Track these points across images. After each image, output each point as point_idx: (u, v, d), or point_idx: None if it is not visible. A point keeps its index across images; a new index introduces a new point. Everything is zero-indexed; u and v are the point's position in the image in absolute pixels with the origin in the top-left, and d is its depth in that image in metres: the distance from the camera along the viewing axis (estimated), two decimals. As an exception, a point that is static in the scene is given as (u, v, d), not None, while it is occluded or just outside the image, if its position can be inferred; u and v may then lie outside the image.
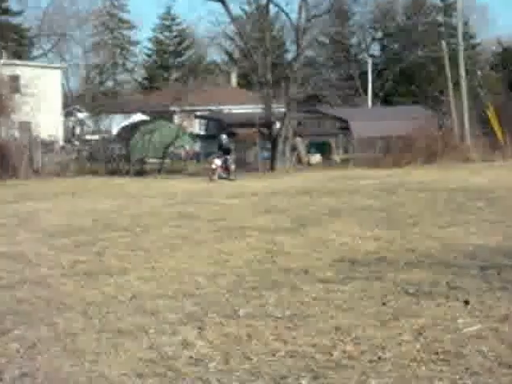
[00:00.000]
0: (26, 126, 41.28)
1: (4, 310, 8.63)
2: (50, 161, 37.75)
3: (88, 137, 48.96)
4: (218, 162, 30.43)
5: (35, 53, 65.18)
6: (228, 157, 30.86)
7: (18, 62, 49.27)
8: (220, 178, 30.05)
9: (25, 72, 44.72)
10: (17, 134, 40.18)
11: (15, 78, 43.06)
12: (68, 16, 62.85)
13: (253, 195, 21.90)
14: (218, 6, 37.03)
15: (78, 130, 55.27)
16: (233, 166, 30.70)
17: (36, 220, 17.12)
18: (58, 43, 64.46)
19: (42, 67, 50.92)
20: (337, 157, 40.01)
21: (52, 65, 54.86)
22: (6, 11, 60.06)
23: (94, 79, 71.92)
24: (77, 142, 47.14)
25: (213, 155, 31.88)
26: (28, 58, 58.31)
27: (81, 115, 57.00)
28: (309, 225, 14.85)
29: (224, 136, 32.46)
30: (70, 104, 57.40)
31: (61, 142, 45.37)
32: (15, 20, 61.57)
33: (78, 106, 59.28)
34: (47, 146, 40.22)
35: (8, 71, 42.07)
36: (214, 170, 30.13)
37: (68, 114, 55.27)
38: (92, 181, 31.06)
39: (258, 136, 37.75)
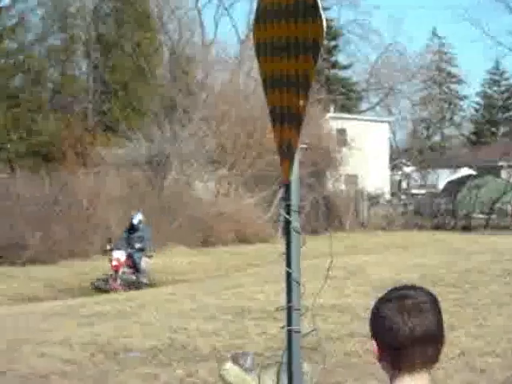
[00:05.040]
0: (352, 179, 42.14)
1: (335, 363, 8.65)
2: (376, 214, 38.15)
3: (414, 191, 49.01)
4: None
5: (363, 106, 66.62)
6: None
7: (345, 115, 50.56)
8: None
9: (352, 125, 45.67)
10: (343, 186, 41.13)
11: (343, 132, 44.13)
12: (396, 70, 63.60)
13: None
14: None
15: (404, 184, 55.50)
16: None
17: (363, 273, 17.20)
18: (386, 97, 65.41)
19: (370, 121, 51.79)
20: None
21: (379, 118, 55.68)
22: (335, 65, 62.09)
23: (421, 133, 72.02)
24: (403, 196, 47.31)
25: None
26: (356, 112, 59.68)
27: (407, 169, 57.23)
28: None
29: None
30: (396, 157, 57.85)
31: (387, 196, 45.75)
32: (344, 74, 63.41)
33: (404, 160, 59.59)
34: (373, 199, 40.74)
35: (336, 125, 43.25)
36: None
37: (394, 167, 55.70)
38: (418, 235, 30.86)
39: None
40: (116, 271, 19.21)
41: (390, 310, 2.41)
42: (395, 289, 2.49)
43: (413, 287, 2.49)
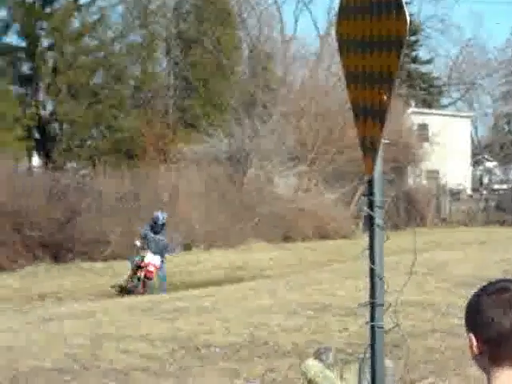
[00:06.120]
0: (433, 175, 41.69)
1: (417, 359, 8.58)
2: (458, 209, 37.67)
3: (496, 186, 48.20)
4: None
5: (444, 101, 65.80)
6: None
7: (426, 110, 49.96)
8: None
9: (433, 121, 45.12)
10: (424, 182, 40.73)
11: (424, 127, 43.66)
12: (477, 65, 62.70)
13: None
14: None
15: (485, 179, 54.63)
16: None
17: (445, 269, 17.01)
18: (467, 92, 64.52)
19: (451, 116, 51.11)
20: None
21: (461, 113, 54.89)
22: (416, 60, 61.40)
23: (502, 128, 70.78)
24: (485, 192, 46.58)
25: None
26: (437, 107, 58.97)
27: (489, 164, 56.31)
28: None
29: None
30: (478, 153, 57.00)
31: (468, 191, 45.12)
32: (424, 68, 62.62)
33: (486, 155, 58.66)
34: (454, 194, 40.24)
35: (417, 120, 42.82)
36: None
37: (476, 162, 54.88)
38: (500, 230, 30.36)
39: None
40: (149, 278, 17.88)
41: (491, 303, 2.41)
42: (492, 282, 2.50)
43: (510, 280, 2.50)
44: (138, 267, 17.91)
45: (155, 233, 18.25)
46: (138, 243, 18.11)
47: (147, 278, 17.85)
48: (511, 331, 2.37)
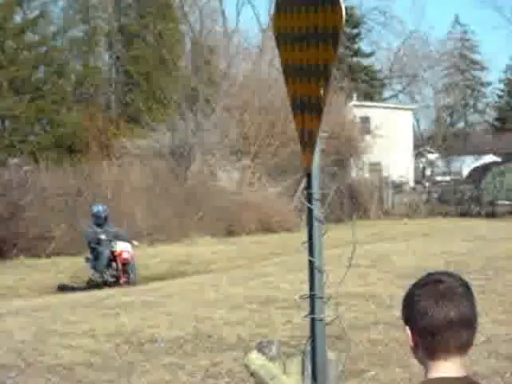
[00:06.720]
0: (376, 167, 42.06)
1: (360, 351, 8.66)
2: (400, 202, 38.08)
3: (438, 178, 48.86)
4: None
5: (386, 94, 66.46)
6: None
7: (368, 103, 50.40)
8: None
9: (375, 113, 45.53)
10: (367, 174, 41.07)
11: (366, 120, 43.99)
12: (419, 57, 63.39)
13: None
14: None
15: (428, 171, 55.34)
16: None
17: (388, 261, 17.18)
18: (409, 84, 65.20)
19: (393, 108, 51.62)
20: None
21: (403, 106, 55.48)
22: (358, 53, 61.88)
23: (444, 120, 71.74)
24: (427, 183, 47.18)
25: None
26: (379, 100, 59.52)
27: (431, 156, 57.04)
28: None
29: None
30: (420, 145, 57.68)
31: (411, 183, 45.64)
32: (366, 61, 63.18)
33: (428, 147, 59.41)
34: (397, 186, 40.66)
35: (359, 113, 43.14)
36: None
37: (418, 154, 55.54)
38: (442, 222, 30.76)
39: None
40: (126, 264, 17.83)
41: (425, 295, 2.42)
42: (429, 274, 2.51)
43: (446, 273, 2.51)
44: (110, 260, 17.89)
45: (100, 227, 18.21)
46: (102, 237, 17.90)
47: (124, 265, 17.81)
48: (444, 323, 2.38)
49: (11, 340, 10.20)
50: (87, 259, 18.55)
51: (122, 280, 17.77)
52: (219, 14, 47.03)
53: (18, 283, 18.85)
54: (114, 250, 17.89)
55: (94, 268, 18.24)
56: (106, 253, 17.95)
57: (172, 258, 21.85)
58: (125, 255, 17.83)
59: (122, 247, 17.90)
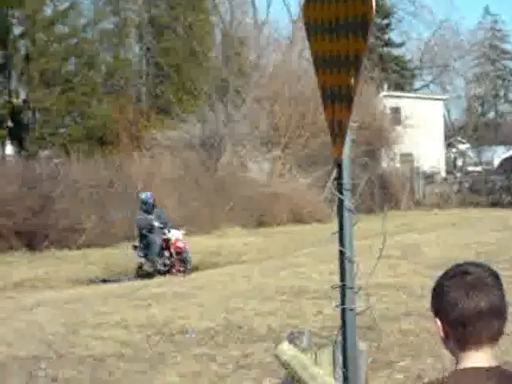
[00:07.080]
0: (407, 158, 41.85)
1: (391, 342, 8.64)
2: (432, 192, 37.89)
3: (469, 168, 48.54)
4: None
5: (417, 84, 66.03)
6: None
7: (399, 93, 50.10)
8: None
9: (406, 103, 45.25)
10: (398, 165, 40.90)
11: (396, 110, 43.76)
12: (450, 47, 62.90)
13: None
14: None
15: (459, 162, 54.96)
16: None
17: (418, 252, 17.11)
18: (440, 74, 64.75)
19: (424, 99, 51.27)
20: None
21: (434, 96, 55.07)
22: (388, 43, 61.50)
23: (475, 110, 71.18)
24: (458, 174, 46.89)
25: None
26: (409, 90, 59.14)
27: (462, 146, 56.64)
28: None
29: None
30: (451, 135, 57.28)
31: (442, 174, 45.37)
32: (397, 51, 62.76)
33: (459, 138, 58.98)
34: (428, 177, 40.46)
35: (390, 103, 42.92)
36: None
37: (449, 145, 55.16)
38: (473, 212, 30.57)
39: None
40: (180, 253, 17.79)
41: (454, 286, 2.41)
42: (457, 265, 2.50)
43: (474, 263, 2.50)
44: (162, 248, 17.80)
45: (149, 214, 18.15)
46: (156, 223, 17.81)
47: (178, 254, 17.75)
48: (474, 314, 2.37)
49: (43, 332, 10.28)
50: (135, 247, 18.28)
51: (177, 269, 17.60)
52: (249, 5, 46.93)
53: (50, 275, 18.99)
54: (166, 237, 17.75)
55: (145, 256, 17.99)
56: (158, 240, 17.76)
57: (203, 249, 21.89)
58: (180, 244, 17.75)
59: (176, 235, 17.81)
